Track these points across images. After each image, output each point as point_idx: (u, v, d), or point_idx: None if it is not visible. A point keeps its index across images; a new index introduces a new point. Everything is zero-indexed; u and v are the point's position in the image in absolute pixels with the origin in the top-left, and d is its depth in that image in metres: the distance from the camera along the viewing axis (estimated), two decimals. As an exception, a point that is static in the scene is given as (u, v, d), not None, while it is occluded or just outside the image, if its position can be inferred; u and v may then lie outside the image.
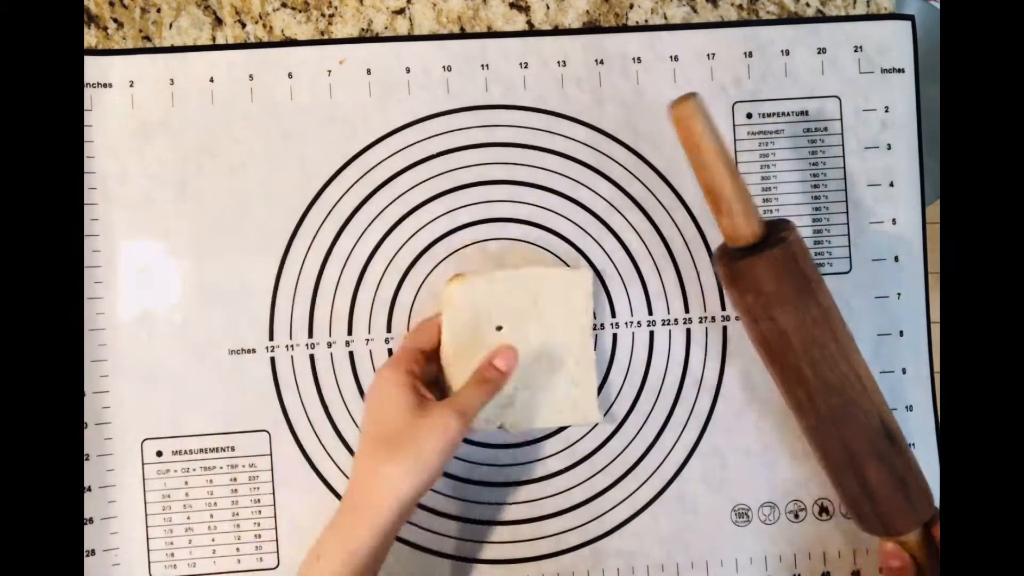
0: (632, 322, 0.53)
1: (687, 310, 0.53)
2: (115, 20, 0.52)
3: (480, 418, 0.51)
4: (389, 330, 0.52)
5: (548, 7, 0.53)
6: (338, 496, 0.52)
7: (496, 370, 0.47)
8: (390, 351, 0.52)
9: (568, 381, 0.51)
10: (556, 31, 0.53)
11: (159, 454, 0.51)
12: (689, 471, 0.53)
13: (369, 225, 0.52)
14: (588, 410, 0.51)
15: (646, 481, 0.53)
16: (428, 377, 0.48)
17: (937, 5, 0.58)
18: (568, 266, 0.52)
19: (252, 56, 0.51)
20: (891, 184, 0.53)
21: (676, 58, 0.53)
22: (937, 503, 0.53)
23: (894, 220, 0.53)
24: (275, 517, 0.51)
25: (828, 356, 0.45)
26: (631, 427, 0.53)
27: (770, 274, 0.44)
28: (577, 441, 0.52)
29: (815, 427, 0.46)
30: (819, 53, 0.53)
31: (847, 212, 0.53)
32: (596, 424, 0.52)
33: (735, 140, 0.53)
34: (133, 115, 0.51)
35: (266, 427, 0.51)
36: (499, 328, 0.50)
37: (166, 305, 0.51)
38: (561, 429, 0.52)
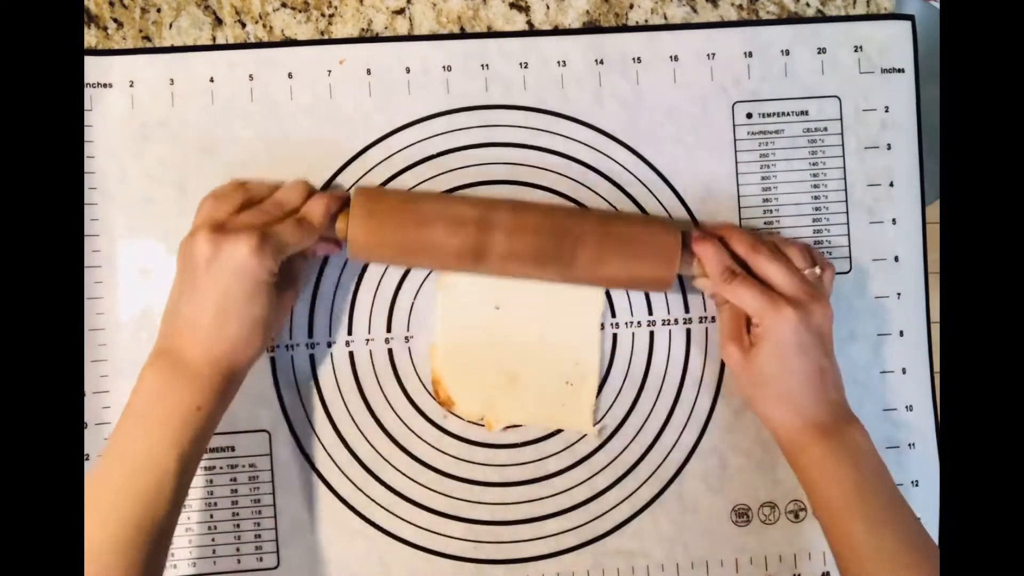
0: (632, 322, 0.53)
1: (687, 310, 0.53)
2: (115, 20, 0.52)
3: (465, 410, 0.51)
4: (389, 330, 0.52)
5: (548, 7, 0.53)
6: (338, 496, 0.52)
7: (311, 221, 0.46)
8: (390, 351, 0.52)
9: (563, 380, 0.51)
10: (556, 31, 0.53)
11: (159, 454, 0.51)
12: (689, 471, 0.53)
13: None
14: (580, 417, 0.52)
15: (646, 481, 0.53)
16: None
17: (937, 5, 0.58)
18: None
19: (252, 56, 0.51)
20: (891, 184, 0.53)
21: (676, 58, 0.53)
22: (936, 505, 0.53)
23: (894, 220, 0.53)
24: (275, 517, 0.51)
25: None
26: (631, 427, 0.53)
27: None
28: (577, 441, 0.52)
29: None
30: (819, 53, 0.53)
31: (847, 212, 0.53)
32: (585, 435, 0.52)
33: (735, 140, 0.53)
34: (133, 115, 0.51)
35: (266, 427, 0.51)
36: (497, 308, 0.50)
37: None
38: (561, 429, 0.52)
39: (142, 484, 0.42)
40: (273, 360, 0.51)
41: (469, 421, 0.52)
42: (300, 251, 0.46)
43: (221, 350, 0.44)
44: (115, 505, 0.41)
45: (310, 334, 0.52)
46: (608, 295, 0.52)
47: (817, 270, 0.48)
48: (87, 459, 0.50)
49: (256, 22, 0.52)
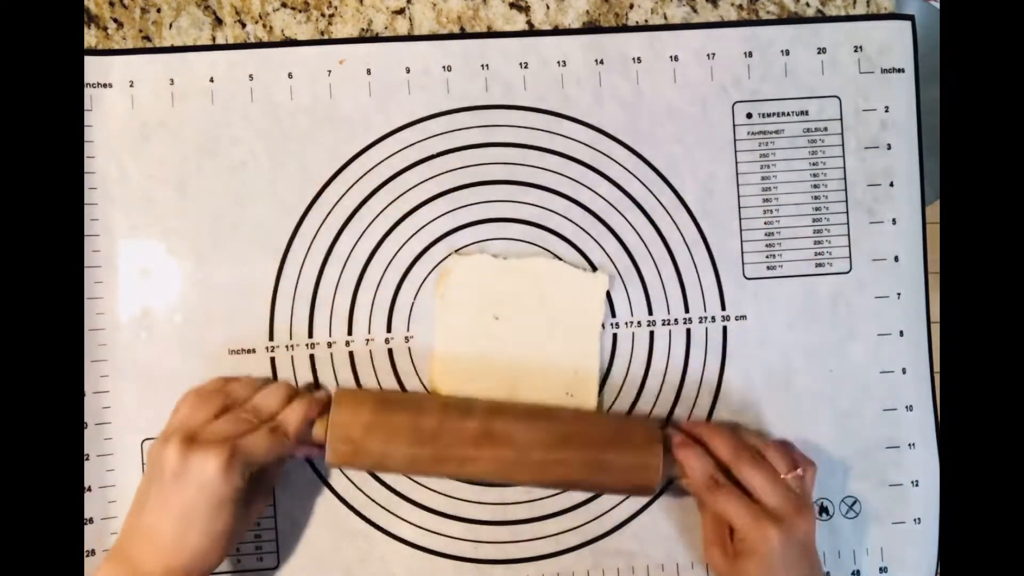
0: (632, 322, 0.53)
1: (687, 310, 0.53)
2: (115, 20, 0.52)
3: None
4: (389, 330, 0.52)
5: (548, 7, 0.53)
6: (338, 496, 0.52)
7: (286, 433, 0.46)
8: (390, 351, 0.52)
9: (563, 391, 0.51)
10: (556, 31, 0.53)
11: (159, 454, 0.51)
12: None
13: (369, 225, 0.52)
14: None
15: (646, 481, 0.53)
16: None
17: (937, 5, 0.58)
18: (577, 268, 0.52)
19: (252, 56, 0.51)
20: (891, 184, 0.53)
21: (676, 58, 0.53)
22: (936, 505, 0.53)
23: (894, 220, 0.53)
24: (275, 517, 0.51)
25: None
26: (631, 427, 0.52)
27: None
28: (577, 441, 0.52)
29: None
30: (819, 53, 0.53)
31: (847, 212, 0.53)
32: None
33: (735, 140, 0.53)
34: (133, 115, 0.51)
35: (266, 427, 0.51)
36: (497, 318, 0.50)
37: (166, 305, 0.51)
38: (561, 429, 0.52)
39: None
40: (273, 360, 0.51)
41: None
42: (274, 459, 0.46)
43: (179, 562, 0.43)
44: None
45: (310, 334, 0.51)
46: (609, 297, 0.52)
47: (800, 471, 0.47)
48: (87, 459, 0.50)
49: (256, 22, 0.52)
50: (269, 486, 0.49)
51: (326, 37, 0.52)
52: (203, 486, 0.42)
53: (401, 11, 0.53)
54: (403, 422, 0.47)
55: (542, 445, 0.47)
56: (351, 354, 0.52)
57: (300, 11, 0.52)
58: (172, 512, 0.43)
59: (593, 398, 0.52)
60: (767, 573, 0.45)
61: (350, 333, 0.52)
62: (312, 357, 0.52)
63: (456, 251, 0.52)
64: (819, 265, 0.53)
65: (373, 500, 0.52)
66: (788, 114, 0.53)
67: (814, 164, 0.53)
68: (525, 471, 0.48)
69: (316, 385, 0.52)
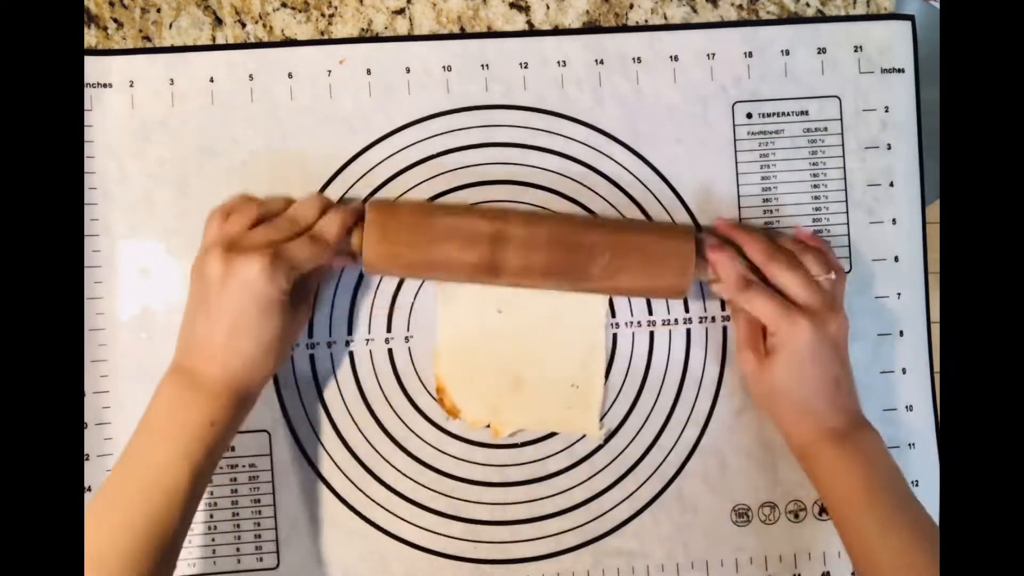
0: (632, 322, 0.53)
1: (687, 310, 0.53)
2: (115, 20, 0.52)
3: (471, 418, 0.51)
4: (389, 330, 0.52)
5: (548, 7, 0.53)
6: (338, 496, 0.52)
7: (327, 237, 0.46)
8: (390, 351, 0.52)
9: (569, 383, 0.51)
10: (556, 31, 0.53)
11: (159, 454, 0.51)
12: (689, 471, 0.53)
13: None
14: (587, 420, 0.52)
15: (646, 481, 0.53)
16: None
17: (937, 5, 0.58)
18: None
19: (252, 56, 0.51)
20: (891, 184, 0.53)
21: (676, 58, 0.53)
22: (936, 505, 0.53)
23: (894, 220, 0.53)
24: (275, 517, 0.51)
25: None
26: (631, 427, 0.53)
27: None
28: (577, 441, 0.52)
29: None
30: (819, 53, 0.53)
31: (847, 212, 0.53)
32: (585, 435, 0.52)
33: (735, 140, 0.53)
34: (133, 115, 0.51)
35: (266, 427, 0.51)
36: (500, 312, 0.50)
37: (166, 305, 0.51)
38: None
39: (155, 498, 0.42)
40: (273, 360, 0.51)
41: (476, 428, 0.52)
42: (315, 267, 0.46)
43: (235, 367, 0.44)
44: (126, 518, 0.41)
45: (310, 334, 0.51)
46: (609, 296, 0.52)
47: (832, 275, 0.47)
48: (87, 459, 0.50)
49: (256, 22, 0.52)
50: (310, 295, 0.49)
51: (326, 37, 0.52)
52: (249, 290, 0.42)
53: (401, 11, 0.53)
54: (442, 222, 0.47)
55: (575, 226, 0.48)
56: (351, 354, 0.52)
57: (300, 11, 0.52)
58: (222, 319, 0.43)
59: (599, 390, 0.52)
60: (798, 367, 0.46)
61: (350, 333, 0.52)
62: (312, 357, 0.52)
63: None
64: (819, 265, 0.53)
65: (373, 500, 0.52)
66: (788, 114, 0.53)
67: (814, 164, 0.53)
68: (560, 252, 0.47)
69: (326, 410, 0.52)
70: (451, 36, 0.52)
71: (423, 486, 0.52)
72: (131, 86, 0.51)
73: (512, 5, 0.53)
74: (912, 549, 0.44)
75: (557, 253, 0.47)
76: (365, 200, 0.51)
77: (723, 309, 0.53)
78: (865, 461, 0.46)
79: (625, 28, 0.53)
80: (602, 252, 0.47)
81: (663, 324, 0.53)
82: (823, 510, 0.53)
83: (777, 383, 0.47)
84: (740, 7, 0.54)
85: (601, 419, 0.52)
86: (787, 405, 0.47)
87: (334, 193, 0.51)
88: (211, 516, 0.51)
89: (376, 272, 0.50)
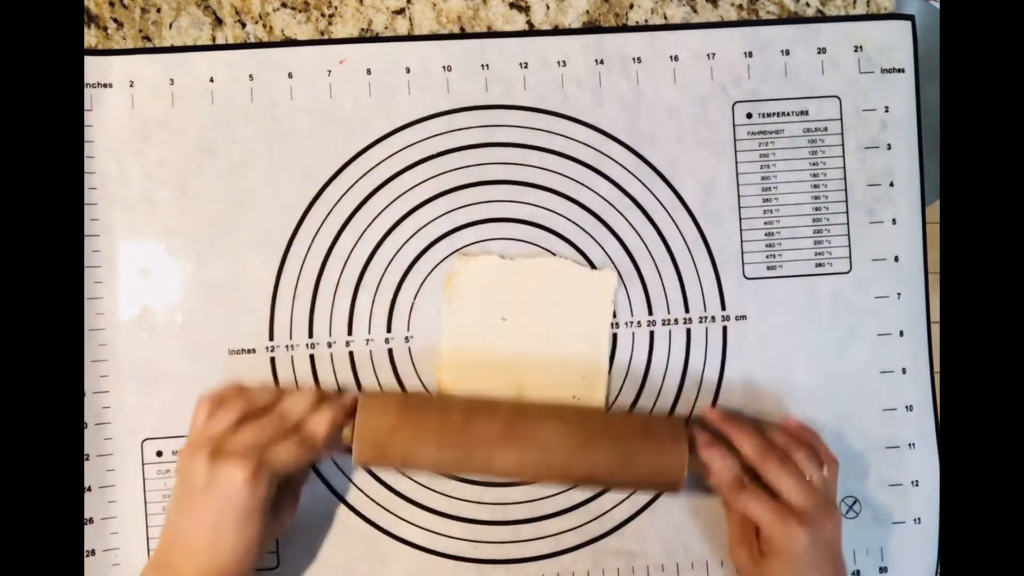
0: (632, 322, 0.53)
1: (687, 310, 0.53)
2: (115, 20, 0.52)
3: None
4: (389, 330, 0.52)
5: (548, 7, 0.53)
6: (338, 496, 0.52)
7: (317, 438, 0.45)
8: (390, 351, 0.52)
9: (571, 394, 0.52)
10: (556, 31, 0.53)
11: (159, 454, 0.51)
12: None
13: (369, 225, 0.52)
14: None
15: (646, 481, 0.53)
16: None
17: (937, 5, 0.58)
18: (584, 266, 0.52)
19: (252, 56, 0.51)
20: (891, 184, 0.53)
21: (676, 58, 0.53)
22: (936, 505, 0.53)
23: (894, 220, 0.53)
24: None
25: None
26: (631, 427, 0.52)
27: None
28: (577, 441, 0.52)
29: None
30: (819, 53, 0.53)
31: (847, 212, 0.53)
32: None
33: (735, 140, 0.53)
34: (133, 115, 0.51)
35: (266, 427, 0.51)
36: (504, 320, 0.50)
37: (166, 305, 0.51)
38: (561, 429, 0.52)
39: None
40: (273, 360, 0.51)
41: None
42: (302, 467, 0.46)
43: (214, 568, 0.43)
44: None
45: (310, 334, 0.51)
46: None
47: (825, 471, 0.47)
48: (87, 459, 0.50)
49: (256, 22, 0.52)
50: (296, 493, 0.48)
51: (326, 37, 0.52)
52: (231, 498, 0.42)
53: (401, 11, 0.53)
54: (430, 422, 0.47)
55: (567, 445, 0.47)
56: (351, 354, 0.52)
57: (300, 11, 0.52)
58: (203, 522, 0.43)
59: (601, 397, 0.52)
60: (793, 573, 0.45)
61: (350, 333, 0.52)
62: (312, 357, 0.52)
63: (462, 252, 0.52)
64: (819, 265, 0.53)
65: (373, 500, 0.52)
66: (788, 114, 0.53)
67: (814, 164, 0.53)
68: (550, 470, 0.47)
69: (338, 389, 0.52)
70: (451, 36, 0.52)
71: (423, 486, 0.52)
72: (131, 86, 0.51)
73: (512, 5, 0.53)
74: None
75: (549, 471, 0.47)
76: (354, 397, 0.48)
77: (723, 309, 0.53)
78: None
79: (625, 28, 0.53)
80: (599, 471, 0.47)
81: (663, 324, 0.53)
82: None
83: None
84: (740, 7, 0.54)
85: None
86: None
87: (334, 193, 0.51)
88: (211, 516, 0.51)
89: (364, 467, 0.50)
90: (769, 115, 0.53)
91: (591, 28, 0.53)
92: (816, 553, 0.45)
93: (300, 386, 0.51)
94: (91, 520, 0.50)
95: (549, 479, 0.49)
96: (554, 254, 0.52)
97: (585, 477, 0.48)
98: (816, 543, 0.45)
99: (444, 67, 0.52)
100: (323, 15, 0.53)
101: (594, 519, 0.52)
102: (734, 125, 0.53)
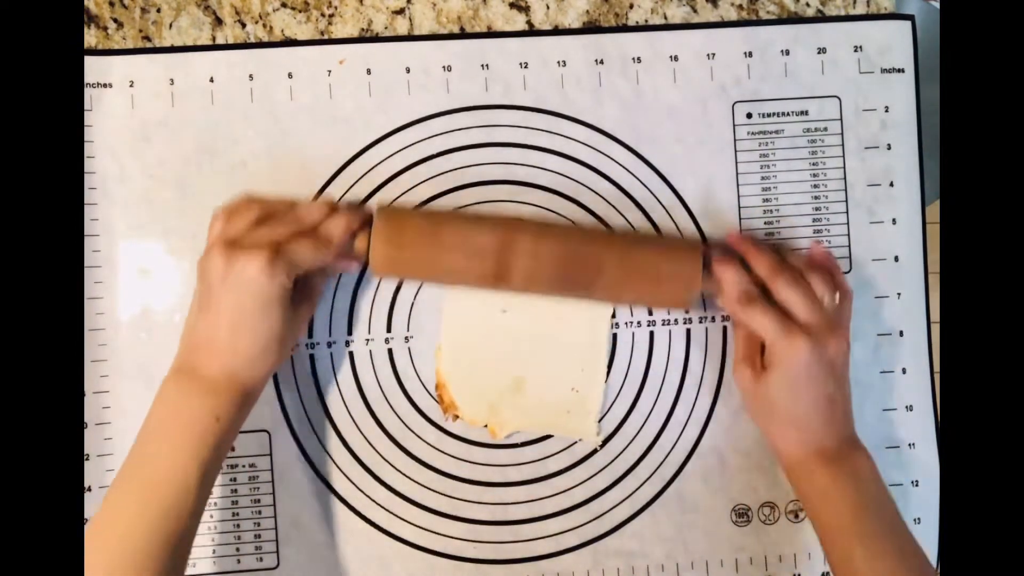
0: (632, 322, 0.53)
1: (687, 310, 0.53)
2: (115, 20, 0.52)
3: (468, 416, 0.51)
4: (389, 330, 0.52)
5: (548, 7, 0.53)
6: (338, 496, 0.52)
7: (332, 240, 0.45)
8: (390, 351, 0.52)
9: (569, 387, 0.52)
10: (556, 31, 0.53)
11: (159, 454, 0.51)
12: (689, 471, 0.53)
13: (369, 225, 0.52)
14: (585, 425, 0.52)
15: (646, 481, 0.53)
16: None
17: (937, 5, 0.58)
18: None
19: (252, 56, 0.51)
20: (891, 184, 0.53)
21: (676, 58, 0.53)
22: (936, 505, 0.53)
23: (894, 220, 0.53)
24: (275, 517, 0.51)
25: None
26: (631, 427, 0.53)
27: None
28: (577, 441, 0.52)
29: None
30: (819, 53, 0.53)
31: (847, 212, 0.53)
32: (591, 443, 0.52)
33: (735, 140, 0.53)
34: (133, 115, 0.51)
35: (266, 427, 0.51)
36: (504, 312, 0.50)
37: (166, 305, 0.51)
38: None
39: (165, 496, 0.42)
40: (273, 360, 0.51)
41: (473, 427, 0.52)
42: (317, 267, 0.46)
43: (237, 364, 0.44)
44: (138, 517, 0.42)
45: (310, 334, 0.51)
46: (608, 295, 0.52)
47: (838, 299, 0.47)
48: (87, 459, 0.50)
49: (256, 22, 0.52)
50: (313, 295, 0.49)
51: (326, 37, 0.52)
52: (249, 287, 0.42)
53: (401, 11, 0.53)
54: (449, 234, 0.46)
55: (583, 240, 0.47)
56: (351, 354, 0.52)
57: (300, 11, 0.52)
58: (223, 316, 0.43)
59: (599, 396, 0.52)
60: (791, 385, 0.46)
61: (350, 333, 0.52)
62: (312, 357, 0.52)
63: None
64: (819, 265, 0.53)
65: (373, 500, 0.52)
66: (788, 114, 0.53)
67: (814, 164, 0.53)
68: (566, 269, 0.47)
69: (325, 410, 0.52)
70: (451, 36, 0.52)
71: (423, 486, 0.52)
72: (131, 86, 0.51)
73: (512, 5, 0.53)
74: (898, 575, 0.44)
75: (563, 267, 0.47)
76: (366, 200, 0.51)
77: (723, 309, 0.53)
78: (855, 484, 0.46)
79: (625, 28, 0.53)
80: (609, 267, 0.47)
81: (663, 324, 0.53)
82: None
83: (771, 399, 0.47)
84: (740, 7, 0.54)
85: (600, 420, 0.52)
86: (779, 421, 0.47)
87: (334, 193, 0.51)
88: (211, 516, 0.51)
89: (382, 275, 0.50)
90: (769, 115, 0.53)
91: (591, 28, 0.53)
92: (817, 368, 0.45)
93: (299, 386, 0.51)
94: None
95: (563, 282, 0.47)
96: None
97: (602, 281, 0.47)
98: (819, 359, 0.45)
99: (444, 67, 0.52)
100: (323, 15, 0.53)
101: (594, 519, 0.52)
102: (734, 125, 0.53)
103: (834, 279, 0.48)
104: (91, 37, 0.52)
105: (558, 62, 0.52)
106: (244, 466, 0.51)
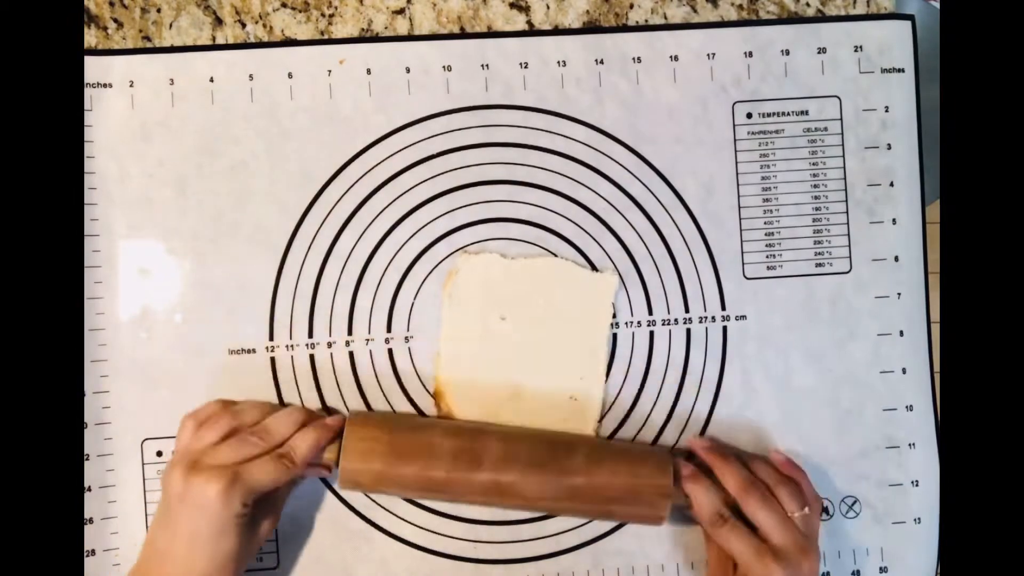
0: (632, 322, 0.53)
1: (687, 310, 0.53)
2: (115, 20, 0.52)
3: (464, 418, 0.51)
4: (389, 330, 0.52)
5: (548, 7, 0.53)
6: (338, 496, 0.52)
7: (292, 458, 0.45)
8: (390, 351, 0.52)
9: (567, 395, 0.52)
10: (556, 31, 0.53)
11: (159, 454, 0.51)
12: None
13: (369, 225, 0.52)
14: (584, 432, 0.52)
15: (646, 481, 0.53)
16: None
17: (937, 5, 0.58)
18: (585, 268, 0.52)
19: (252, 56, 0.51)
20: (891, 184, 0.53)
21: (676, 58, 0.53)
22: (936, 505, 0.53)
23: (894, 220, 0.53)
24: (275, 517, 0.51)
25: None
26: (631, 427, 0.53)
27: None
28: (577, 441, 0.52)
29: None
30: (819, 53, 0.53)
31: (847, 212, 0.53)
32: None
33: (735, 140, 0.53)
34: (133, 115, 0.51)
35: (266, 427, 0.51)
36: (503, 319, 0.50)
37: (166, 305, 0.51)
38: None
39: None
40: (273, 360, 0.51)
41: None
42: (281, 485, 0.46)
43: None
44: None
45: (310, 334, 0.51)
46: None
47: (807, 510, 0.47)
48: (87, 459, 0.50)
49: (256, 22, 0.52)
50: (277, 507, 0.48)
51: (326, 37, 0.52)
52: (204, 511, 0.42)
53: (401, 11, 0.53)
54: (412, 474, 0.47)
55: (551, 498, 0.48)
56: (351, 354, 0.52)
57: (300, 11, 0.52)
58: (180, 535, 0.43)
59: (597, 404, 0.52)
60: None
61: (350, 333, 0.52)
62: (312, 357, 0.52)
63: (463, 250, 0.52)
64: (819, 265, 0.53)
65: (373, 500, 0.52)
66: (788, 114, 0.53)
67: (814, 164, 0.53)
68: (533, 511, 0.50)
69: (327, 411, 0.51)
70: (451, 36, 0.52)
71: (423, 486, 0.52)
72: (131, 86, 0.51)
73: (512, 5, 0.53)
74: None
75: (534, 510, 0.49)
76: (332, 414, 0.49)
77: (723, 309, 0.53)
78: None
79: (625, 28, 0.53)
80: (577, 489, 0.47)
81: (663, 324, 0.53)
82: (823, 510, 0.53)
83: None
84: (740, 7, 0.54)
85: (600, 419, 0.52)
86: None
87: (334, 193, 0.51)
88: (211, 516, 0.51)
89: (350, 490, 0.49)
90: (769, 115, 0.53)
91: (591, 28, 0.53)
92: None
93: (299, 386, 0.51)
94: (91, 520, 0.50)
95: (532, 497, 0.48)
96: (555, 254, 0.52)
97: (570, 514, 0.50)
98: None
99: (444, 67, 0.52)
100: (323, 15, 0.53)
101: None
102: (734, 125, 0.53)
103: (801, 490, 0.48)
104: (91, 37, 0.52)
105: (558, 62, 0.52)
106: (244, 466, 0.51)
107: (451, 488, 0.47)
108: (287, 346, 0.51)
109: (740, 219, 0.53)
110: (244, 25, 0.52)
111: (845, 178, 0.53)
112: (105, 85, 0.51)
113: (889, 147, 0.53)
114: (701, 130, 0.52)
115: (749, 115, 0.53)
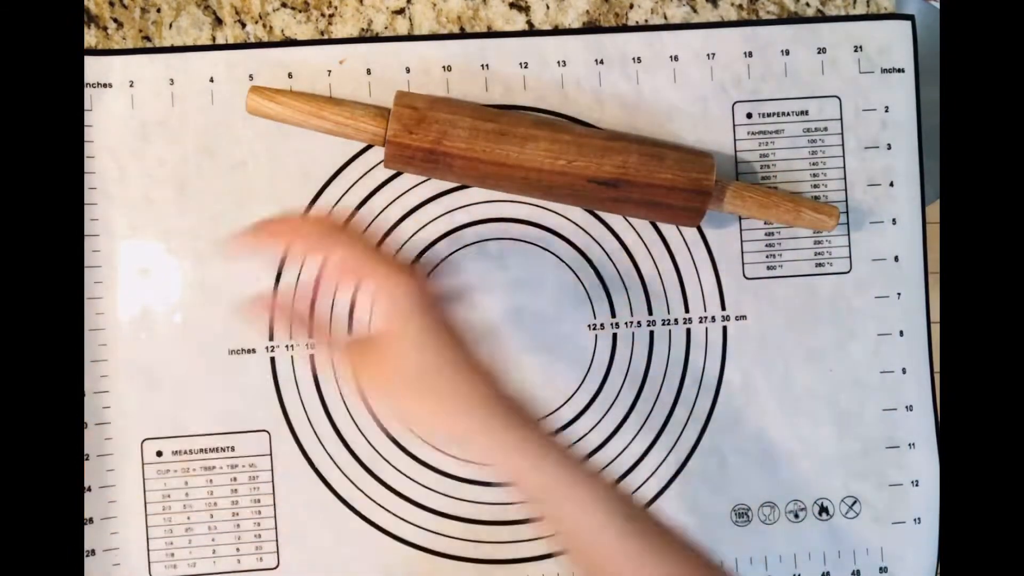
0: (632, 322, 0.53)
1: (687, 310, 0.53)
2: (115, 20, 0.52)
3: None
4: (389, 330, 0.52)
5: (548, 7, 0.53)
6: (338, 496, 0.52)
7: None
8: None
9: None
10: (556, 31, 0.53)
11: (159, 454, 0.51)
12: (689, 471, 0.53)
13: (369, 225, 0.52)
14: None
15: (646, 481, 0.53)
16: None
17: (937, 5, 0.58)
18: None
19: (252, 56, 0.51)
20: (891, 184, 0.53)
21: (676, 58, 0.53)
22: (936, 505, 0.53)
23: (894, 220, 0.53)
24: (275, 517, 0.51)
25: None
26: (631, 427, 0.53)
27: None
28: (577, 441, 0.52)
29: None
30: (819, 53, 0.53)
31: (847, 212, 0.53)
32: (585, 434, 0.52)
33: (735, 140, 0.53)
34: (133, 115, 0.51)
35: (266, 427, 0.51)
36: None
37: (166, 305, 0.51)
38: (561, 428, 0.52)
39: None
40: (273, 360, 0.51)
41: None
42: None
43: None
44: None
45: (310, 334, 0.51)
46: (609, 297, 0.52)
47: None
48: (87, 459, 0.50)
49: (256, 22, 0.52)
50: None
51: (326, 37, 0.52)
52: None
53: (401, 11, 0.53)
54: (466, 102, 0.48)
55: (599, 134, 0.48)
56: (351, 354, 0.52)
57: (300, 11, 0.52)
58: None
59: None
60: None
61: (350, 333, 0.52)
62: (312, 357, 0.52)
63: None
64: (819, 265, 0.53)
65: (373, 500, 0.52)
66: (788, 114, 0.53)
67: (814, 164, 0.53)
68: (581, 155, 0.47)
69: (327, 411, 0.51)
70: (451, 36, 0.52)
71: (423, 486, 0.52)
72: (131, 86, 0.51)
73: (512, 5, 0.53)
74: None
75: (581, 156, 0.47)
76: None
77: (723, 309, 0.53)
78: None
79: (625, 28, 0.53)
80: (631, 160, 0.48)
81: (663, 324, 0.53)
82: (823, 510, 0.53)
83: None
84: (740, 7, 0.54)
85: (600, 418, 0.52)
86: None
87: (334, 193, 0.51)
88: (211, 516, 0.51)
89: (399, 145, 0.47)
90: (769, 115, 0.53)
91: (591, 28, 0.53)
92: None
93: (299, 386, 0.51)
94: (91, 520, 0.50)
95: (577, 168, 0.48)
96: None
97: (615, 169, 0.48)
98: None
99: (444, 67, 0.52)
100: (323, 15, 0.53)
101: (594, 519, 0.52)
102: (734, 125, 0.53)
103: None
104: (91, 37, 0.52)
105: (558, 62, 0.52)
106: (244, 466, 0.51)
107: (503, 118, 0.47)
108: (287, 346, 0.51)
109: (740, 219, 0.53)
110: (244, 25, 0.52)
111: (845, 178, 0.53)
112: (105, 85, 0.51)
113: (889, 147, 0.53)
114: (701, 130, 0.52)
115: (749, 115, 0.53)
